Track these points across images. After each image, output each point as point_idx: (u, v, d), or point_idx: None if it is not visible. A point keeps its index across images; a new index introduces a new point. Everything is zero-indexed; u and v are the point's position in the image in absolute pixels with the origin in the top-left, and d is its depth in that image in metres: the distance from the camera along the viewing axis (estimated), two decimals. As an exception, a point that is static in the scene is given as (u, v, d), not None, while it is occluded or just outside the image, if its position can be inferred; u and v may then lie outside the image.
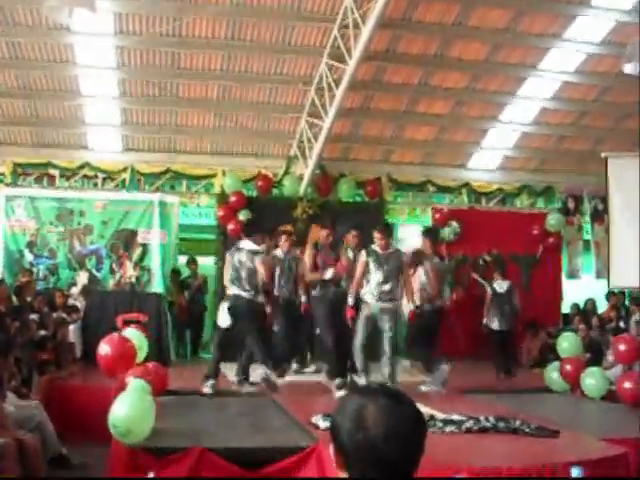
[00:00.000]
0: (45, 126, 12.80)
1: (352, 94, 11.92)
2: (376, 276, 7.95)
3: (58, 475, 5.85)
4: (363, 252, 8.12)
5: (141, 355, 7.14)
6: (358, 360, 8.00)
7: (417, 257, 9.41)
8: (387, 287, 7.95)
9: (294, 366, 10.53)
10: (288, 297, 9.67)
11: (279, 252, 9.74)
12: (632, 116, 13.24)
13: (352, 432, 1.70)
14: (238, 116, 12.85)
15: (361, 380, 7.84)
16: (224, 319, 8.27)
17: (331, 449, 1.76)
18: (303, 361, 10.46)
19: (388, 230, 8.41)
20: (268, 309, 9.15)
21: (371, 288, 7.98)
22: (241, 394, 8.14)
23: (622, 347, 8.55)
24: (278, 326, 9.69)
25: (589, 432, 6.14)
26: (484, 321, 10.83)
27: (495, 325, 10.70)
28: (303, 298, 9.79)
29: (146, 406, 5.35)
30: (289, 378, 9.59)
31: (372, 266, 7.98)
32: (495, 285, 11.08)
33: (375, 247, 8.05)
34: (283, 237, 9.80)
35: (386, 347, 7.92)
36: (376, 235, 8.04)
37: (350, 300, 8.18)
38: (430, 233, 9.85)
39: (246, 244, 8.53)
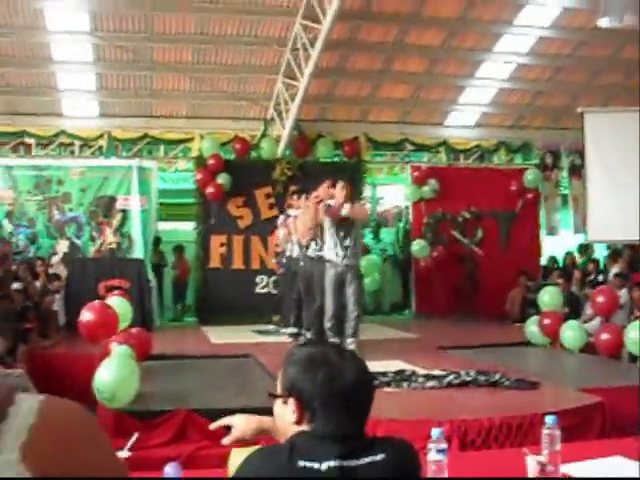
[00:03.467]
0: (18, 94, 12.64)
1: (327, 54, 11.83)
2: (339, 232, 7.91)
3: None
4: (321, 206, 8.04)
5: (125, 321, 7.17)
6: (331, 322, 7.98)
7: None
8: (348, 242, 7.93)
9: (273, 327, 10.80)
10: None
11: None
12: (607, 70, 13.31)
13: (325, 382, 1.82)
14: (214, 79, 12.73)
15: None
16: None
17: (290, 406, 1.84)
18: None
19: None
20: None
21: (335, 246, 7.92)
22: (225, 356, 8.19)
23: (601, 299, 8.67)
24: None
25: (567, 383, 6.27)
26: None
27: None
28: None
29: (130, 370, 5.41)
30: (271, 339, 9.75)
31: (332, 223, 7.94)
32: None
33: (332, 202, 8.01)
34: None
35: (352, 305, 7.89)
36: (340, 189, 7.98)
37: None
38: None
39: None
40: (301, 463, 1.74)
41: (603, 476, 2.78)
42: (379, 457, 1.81)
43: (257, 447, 1.97)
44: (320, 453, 1.76)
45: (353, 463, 1.77)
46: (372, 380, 1.95)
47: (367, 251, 12.73)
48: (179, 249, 13.06)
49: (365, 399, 1.88)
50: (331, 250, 7.91)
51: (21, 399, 1.03)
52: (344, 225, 7.85)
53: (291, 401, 1.85)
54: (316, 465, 1.74)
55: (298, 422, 1.84)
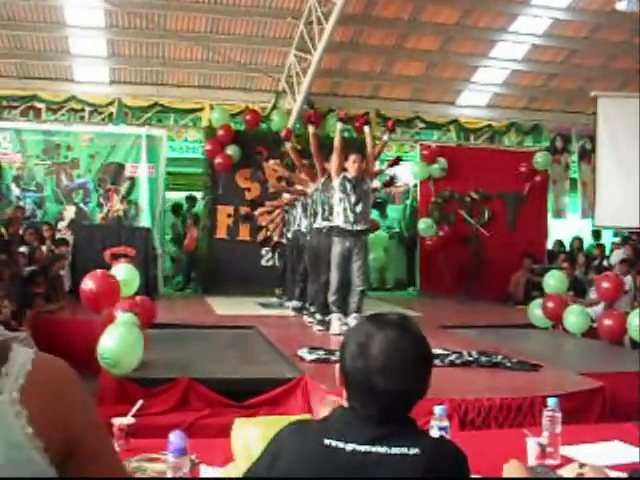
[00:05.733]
0: (30, 58, 12.61)
1: (341, 28, 11.78)
2: (350, 197, 7.75)
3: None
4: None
5: (132, 289, 7.17)
6: (335, 296, 7.93)
7: None
8: (360, 208, 7.74)
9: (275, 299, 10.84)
10: None
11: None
12: (623, 55, 13.21)
13: (354, 357, 1.76)
14: (226, 49, 12.69)
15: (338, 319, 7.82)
16: None
17: (337, 366, 1.83)
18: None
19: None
20: None
21: (345, 210, 7.74)
22: (228, 327, 8.22)
23: (605, 285, 8.66)
24: None
25: (569, 367, 6.28)
26: None
27: None
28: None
29: (134, 338, 5.43)
30: (275, 312, 9.79)
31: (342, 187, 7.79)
32: None
33: (347, 175, 7.79)
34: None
35: (357, 279, 7.79)
36: (352, 162, 7.78)
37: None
38: None
39: None
40: (327, 441, 1.71)
41: (601, 459, 2.80)
42: (412, 451, 1.70)
43: (261, 419, 1.97)
44: (351, 433, 1.71)
45: (382, 450, 1.70)
46: (412, 374, 1.77)
47: (376, 228, 12.69)
48: (195, 218, 12.99)
49: (393, 390, 1.73)
50: (340, 215, 7.74)
51: (18, 350, 1.24)
52: (355, 190, 7.76)
53: (338, 365, 1.84)
54: (341, 444, 1.70)
55: (339, 383, 1.83)
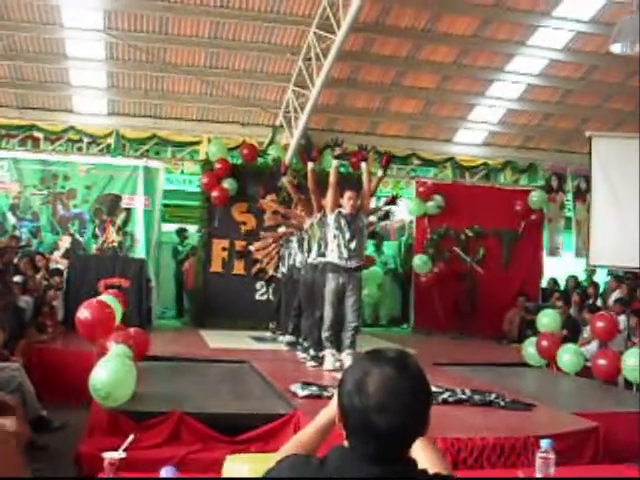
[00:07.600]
0: (30, 89, 12.69)
1: (339, 65, 11.88)
2: (345, 234, 7.72)
3: (39, 437, 5.89)
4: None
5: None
6: (329, 332, 7.88)
7: None
8: (354, 245, 7.69)
9: (269, 334, 10.81)
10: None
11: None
12: (618, 96, 13.34)
13: (351, 395, 1.72)
14: (225, 84, 12.79)
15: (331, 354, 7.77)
16: None
17: (335, 404, 1.80)
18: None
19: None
20: None
21: (339, 247, 7.72)
22: (221, 361, 8.18)
23: (600, 324, 8.67)
24: None
25: (562, 406, 6.26)
26: None
27: None
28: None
29: (127, 370, 5.40)
30: (268, 346, 9.75)
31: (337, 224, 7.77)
32: None
33: (342, 211, 7.77)
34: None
35: (351, 315, 7.71)
36: (347, 199, 7.77)
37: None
38: None
39: None
40: None
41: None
42: None
43: (252, 456, 1.95)
44: (349, 473, 1.67)
45: None
46: (409, 411, 1.70)
47: (371, 263, 12.71)
48: (193, 250, 13.00)
49: (390, 428, 1.67)
50: (334, 251, 7.72)
51: None
52: (350, 226, 7.75)
53: (336, 402, 1.80)
54: None
55: (339, 424, 1.78)
